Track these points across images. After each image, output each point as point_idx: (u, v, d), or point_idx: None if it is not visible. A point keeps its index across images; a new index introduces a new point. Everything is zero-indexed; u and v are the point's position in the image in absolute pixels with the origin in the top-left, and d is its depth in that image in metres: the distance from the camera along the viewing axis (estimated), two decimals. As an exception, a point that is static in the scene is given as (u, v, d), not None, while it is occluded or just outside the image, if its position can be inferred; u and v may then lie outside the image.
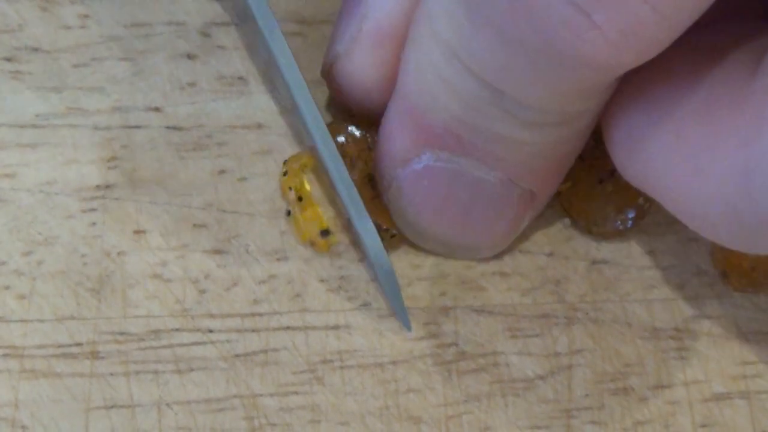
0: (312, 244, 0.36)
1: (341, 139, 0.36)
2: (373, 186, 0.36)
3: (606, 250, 0.37)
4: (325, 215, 0.36)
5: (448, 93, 0.32)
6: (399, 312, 0.36)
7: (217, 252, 0.36)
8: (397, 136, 0.34)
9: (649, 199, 0.36)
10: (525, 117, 0.31)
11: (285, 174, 0.36)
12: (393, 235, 0.36)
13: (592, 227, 0.36)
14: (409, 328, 0.36)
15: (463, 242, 0.36)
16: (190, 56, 0.38)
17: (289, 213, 0.36)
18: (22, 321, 0.36)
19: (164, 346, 0.35)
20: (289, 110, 0.38)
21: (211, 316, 0.36)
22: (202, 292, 0.36)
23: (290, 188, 0.36)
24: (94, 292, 0.36)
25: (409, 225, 0.35)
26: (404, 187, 0.34)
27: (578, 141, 0.34)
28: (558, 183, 0.35)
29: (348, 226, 0.37)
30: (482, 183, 0.34)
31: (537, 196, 0.34)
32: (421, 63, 0.32)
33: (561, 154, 0.34)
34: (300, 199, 0.36)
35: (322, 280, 0.36)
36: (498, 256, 0.37)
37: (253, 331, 0.36)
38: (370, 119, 0.36)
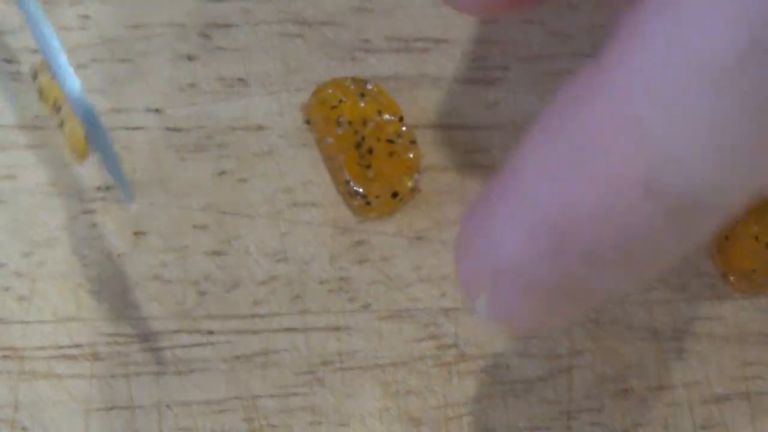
0: (77, 154, 0.33)
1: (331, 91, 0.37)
2: (360, 154, 0.36)
3: (606, 251, 0.37)
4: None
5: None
6: (114, 175, 0.32)
7: (217, 253, 0.36)
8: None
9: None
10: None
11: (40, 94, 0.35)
12: (368, 203, 0.36)
13: (592, 229, 0.36)
14: (128, 199, 0.33)
15: None
16: (190, 57, 0.38)
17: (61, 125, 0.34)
18: (22, 322, 0.36)
19: (164, 348, 0.35)
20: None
21: (212, 317, 0.36)
22: (203, 293, 0.36)
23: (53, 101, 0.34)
24: (94, 293, 0.36)
25: None
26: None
27: None
28: None
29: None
30: None
31: None
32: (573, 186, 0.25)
33: None
34: (60, 109, 0.34)
35: (322, 282, 0.36)
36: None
37: (254, 332, 0.36)
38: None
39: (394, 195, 0.36)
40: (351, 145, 0.36)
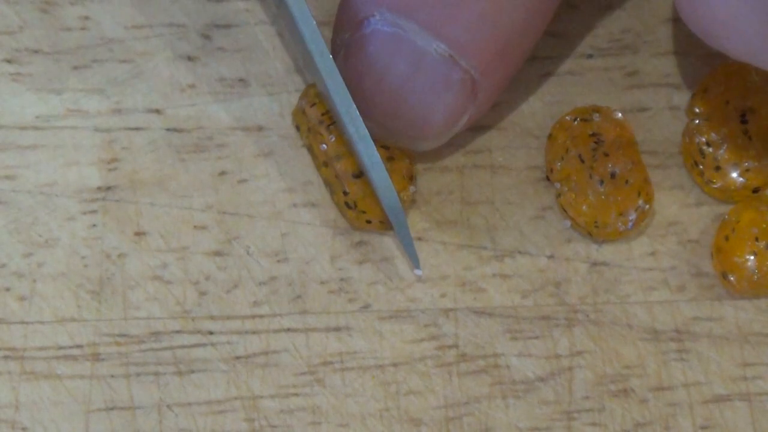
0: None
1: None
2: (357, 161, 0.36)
3: (606, 251, 0.37)
4: None
5: None
6: (408, 249, 0.36)
7: (218, 254, 0.36)
8: None
9: (648, 201, 0.36)
10: None
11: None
12: (363, 211, 0.36)
13: (592, 229, 0.36)
14: (417, 266, 0.36)
15: (399, 123, 0.35)
16: (190, 58, 0.38)
17: None
18: (22, 323, 0.36)
19: (165, 348, 0.35)
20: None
21: (212, 317, 0.36)
22: (203, 293, 0.36)
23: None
24: (94, 293, 0.36)
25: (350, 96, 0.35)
26: (350, 52, 0.35)
27: (529, 14, 0.34)
28: (502, 79, 0.35)
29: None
30: (424, 56, 0.34)
31: (479, 86, 0.35)
32: None
33: (508, 27, 0.34)
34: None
35: (322, 282, 0.36)
36: (498, 257, 0.37)
37: (254, 332, 0.36)
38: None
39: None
40: (346, 152, 0.36)
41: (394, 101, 0.35)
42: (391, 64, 0.34)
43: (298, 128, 0.37)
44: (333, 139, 0.36)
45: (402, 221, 0.35)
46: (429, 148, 0.36)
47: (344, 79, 0.35)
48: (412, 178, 0.36)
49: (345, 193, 0.36)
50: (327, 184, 0.37)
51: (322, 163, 0.36)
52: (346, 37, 0.35)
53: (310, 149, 0.37)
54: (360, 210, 0.36)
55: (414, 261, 0.36)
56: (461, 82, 0.34)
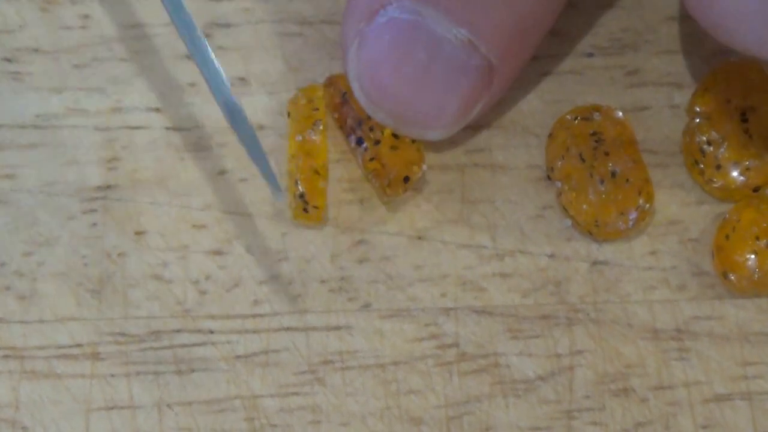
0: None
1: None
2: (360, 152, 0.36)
3: (607, 251, 0.37)
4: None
5: None
6: (263, 170, 0.34)
7: (218, 253, 0.36)
8: None
9: (649, 200, 0.36)
10: None
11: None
12: (316, 207, 0.36)
13: (592, 228, 0.36)
14: (278, 189, 0.34)
15: (414, 112, 0.35)
16: (190, 57, 0.38)
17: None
18: (22, 322, 0.36)
19: (165, 347, 0.35)
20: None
21: (212, 317, 0.36)
22: (203, 293, 0.36)
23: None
24: (94, 292, 0.36)
25: (363, 87, 0.35)
26: (366, 42, 0.34)
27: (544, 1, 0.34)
28: (516, 67, 0.36)
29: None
30: (442, 43, 0.34)
31: (495, 72, 0.35)
32: None
33: (526, 13, 0.34)
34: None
35: (322, 281, 0.36)
36: (498, 256, 0.37)
37: (254, 332, 0.36)
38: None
39: (406, 179, 0.36)
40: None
41: (410, 90, 0.35)
42: (409, 52, 0.34)
43: (289, 114, 0.37)
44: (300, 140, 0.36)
45: (248, 130, 0.34)
46: (439, 138, 0.36)
47: (357, 70, 0.35)
48: (421, 160, 0.36)
49: (296, 183, 0.36)
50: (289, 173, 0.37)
51: (292, 155, 0.37)
52: (361, 27, 0.35)
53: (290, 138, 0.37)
54: (314, 206, 0.36)
55: (273, 186, 0.34)
56: (479, 69, 0.34)
